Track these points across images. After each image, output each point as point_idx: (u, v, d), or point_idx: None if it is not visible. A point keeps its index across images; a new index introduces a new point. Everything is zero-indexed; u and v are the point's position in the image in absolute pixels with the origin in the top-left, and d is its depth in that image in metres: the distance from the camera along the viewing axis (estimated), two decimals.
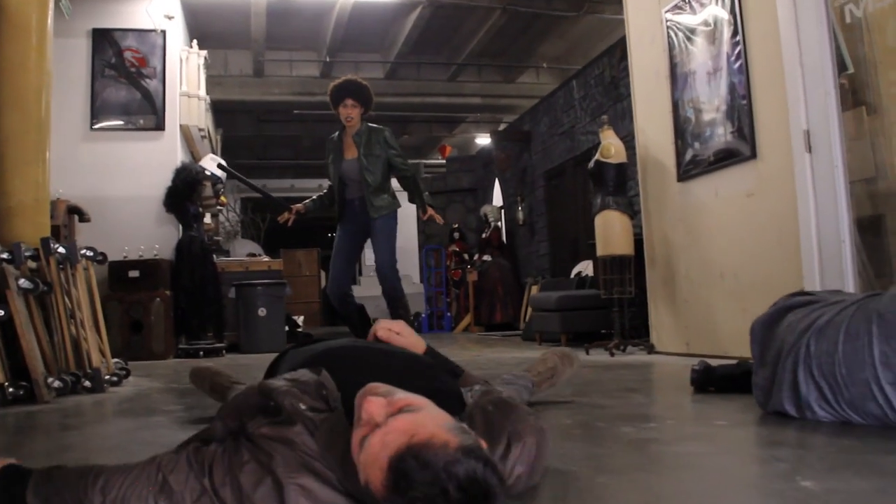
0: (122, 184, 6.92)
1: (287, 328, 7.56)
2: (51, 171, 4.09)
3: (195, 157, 7.84)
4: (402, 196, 4.91)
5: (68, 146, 6.57)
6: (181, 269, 6.73)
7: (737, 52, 4.17)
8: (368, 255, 5.65)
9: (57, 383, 3.43)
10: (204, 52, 7.60)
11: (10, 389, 3.22)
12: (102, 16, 7.12)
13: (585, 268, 7.38)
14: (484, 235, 11.05)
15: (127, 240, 6.63)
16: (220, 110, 10.24)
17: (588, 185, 5.91)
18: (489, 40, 10.55)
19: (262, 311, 7.11)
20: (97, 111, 7.00)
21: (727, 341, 4.24)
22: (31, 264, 3.66)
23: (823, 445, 1.76)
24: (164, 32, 7.19)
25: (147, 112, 7.10)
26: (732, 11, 4.20)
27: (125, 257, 6.52)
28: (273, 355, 2.05)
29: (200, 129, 7.50)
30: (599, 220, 5.23)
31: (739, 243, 4.24)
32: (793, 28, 3.70)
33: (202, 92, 7.51)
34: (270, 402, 1.32)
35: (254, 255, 8.91)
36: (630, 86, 5.56)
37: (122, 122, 7.06)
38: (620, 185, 5.20)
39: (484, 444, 1.07)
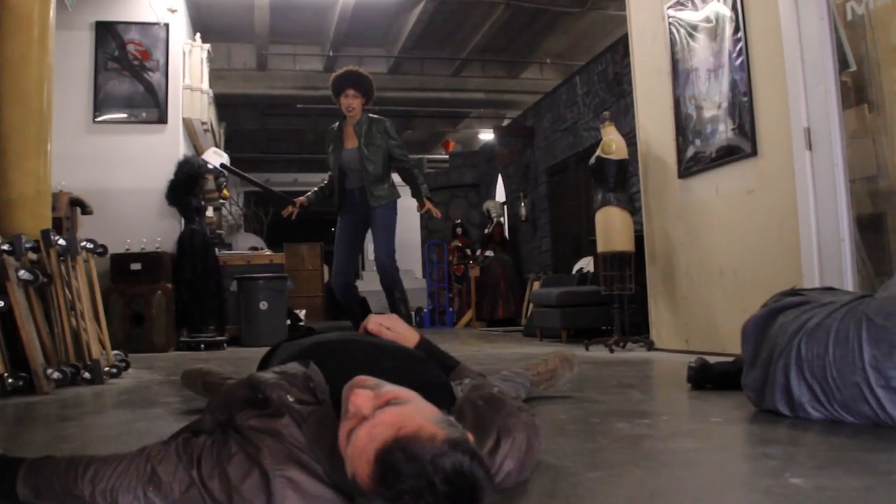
0: (124, 177, 6.93)
1: (289, 322, 7.57)
2: (53, 163, 4.10)
3: (198, 151, 7.85)
4: (405, 191, 4.91)
5: (71, 139, 6.58)
6: (183, 262, 6.75)
7: (738, 48, 4.16)
8: (370, 250, 5.63)
9: (56, 374, 3.44)
10: (207, 46, 7.60)
11: (10, 380, 3.24)
12: (105, 9, 7.13)
13: (587, 264, 7.38)
14: (486, 231, 11.05)
15: (129, 232, 6.64)
16: (224, 104, 10.25)
17: (590, 181, 5.90)
18: (493, 35, 10.54)
19: (263, 305, 7.12)
20: (100, 104, 7.00)
21: (726, 339, 4.24)
22: (32, 256, 3.68)
23: (815, 443, 1.76)
24: (167, 26, 7.19)
25: (150, 105, 7.10)
26: (734, 8, 4.19)
27: (127, 250, 6.53)
28: None
29: (203, 123, 7.51)
30: (600, 217, 5.22)
31: (739, 241, 4.24)
32: (794, 24, 3.69)
33: (205, 85, 7.51)
34: (259, 394, 1.32)
35: (256, 248, 8.92)
36: (632, 82, 5.55)
37: (124, 115, 7.06)
38: (621, 181, 5.20)
39: (471, 438, 1.07)
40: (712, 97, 4.44)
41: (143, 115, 7.10)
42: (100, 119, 7.01)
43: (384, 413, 1.05)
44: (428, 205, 4.71)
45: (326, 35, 10.42)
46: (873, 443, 1.70)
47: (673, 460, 1.67)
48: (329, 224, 15.08)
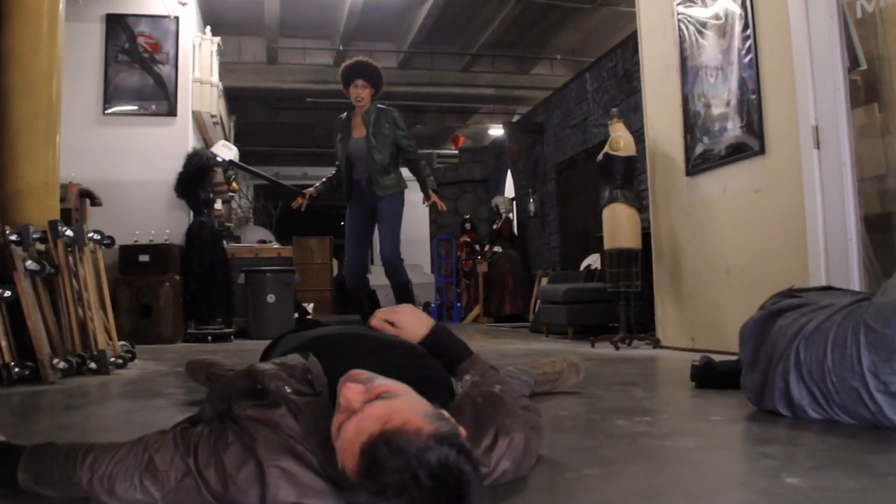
0: (133, 169, 6.96)
1: (296, 315, 7.59)
2: (63, 155, 4.13)
3: (207, 144, 7.87)
4: (414, 185, 4.91)
5: (81, 130, 6.61)
6: (191, 254, 6.77)
7: (747, 45, 4.14)
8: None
9: (62, 364, 3.47)
10: (217, 39, 7.62)
11: (16, 369, 3.27)
12: (116, 1, 7.16)
13: (595, 261, 7.36)
14: (495, 226, 11.05)
15: (138, 224, 6.67)
16: (234, 97, 10.28)
17: (599, 178, 5.89)
18: (503, 31, 10.52)
19: (270, 298, 7.14)
20: (110, 96, 7.03)
21: (732, 337, 4.17)
22: (40, 246, 3.70)
23: (813, 443, 1.75)
24: (177, 18, 7.21)
25: (159, 98, 7.13)
26: (743, 5, 4.16)
27: (136, 241, 6.56)
28: None
29: (212, 116, 7.53)
30: (607, 213, 5.21)
31: (746, 239, 4.22)
32: (803, 22, 3.67)
33: (215, 78, 7.53)
34: (257, 384, 1.33)
35: (264, 241, 8.94)
36: (640, 79, 5.53)
37: (134, 108, 7.09)
38: (629, 178, 5.18)
39: (463, 432, 1.07)
40: (721, 95, 4.42)
41: (153, 107, 7.13)
42: (109, 111, 7.04)
43: (373, 407, 1.06)
44: (433, 197, 4.70)
45: (336, 29, 10.43)
46: (872, 444, 1.70)
47: (671, 458, 1.67)
48: (338, 218, 15.06)
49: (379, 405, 1.05)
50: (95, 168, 6.58)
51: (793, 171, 3.79)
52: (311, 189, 5.00)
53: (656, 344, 5.04)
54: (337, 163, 4.89)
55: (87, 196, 6.31)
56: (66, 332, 3.69)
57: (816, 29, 3.61)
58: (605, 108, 8.04)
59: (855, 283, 3.40)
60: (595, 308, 6.19)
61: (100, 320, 3.90)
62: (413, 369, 1.48)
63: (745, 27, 4.16)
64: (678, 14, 4.82)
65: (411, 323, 1.72)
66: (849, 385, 1.81)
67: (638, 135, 5.63)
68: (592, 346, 5.26)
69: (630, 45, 7.33)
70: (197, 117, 7.45)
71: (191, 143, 7.24)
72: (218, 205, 7.93)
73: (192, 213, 7.03)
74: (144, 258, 6.50)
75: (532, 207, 10.55)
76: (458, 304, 11.64)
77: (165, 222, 6.90)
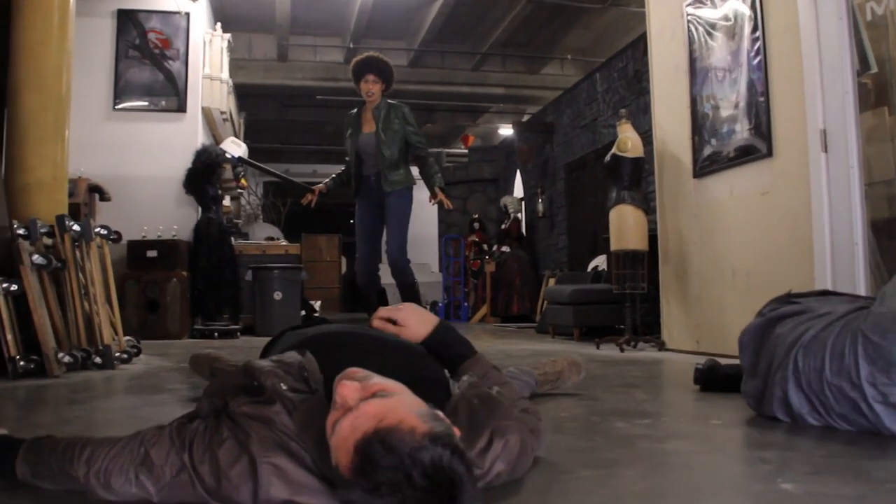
0: (143, 164, 6.99)
1: (303, 312, 7.61)
2: (73, 149, 4.15)
3: (217, 140, 7.89)
4: (422, 184, 4.90)
5: (91, 125, 6.65)
6: (199, 250, 6.79)
7: (756, 47, 4.12)
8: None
9: (67, 358, 3.49)
10: (227, 36, 7.64)
11: (22, 363, 3.29)
12: None
13: (603, 262, 7.35)
14: (503, 226, 11.03)
15: (146, 219, 6.70)
16: (244, 94, 10.30)
17: (607, 178, 5.88)
18: (514, 30, 10.51)
19: (277, 295, 7.16)
20: (120, 91, 7.07)
21: (736, 341, 4.20)
22: (47, 241, 3.72)
23: (811, 448, 1.74)
24: (188, 15, 7.23)
25: (169, 93, 7.15)
26: (753, 6, 4.14)
27: (144, 237, 6.59)
28: None
29: (222, 112, 7.55)
30: (614, 214, 5.20)
31: (752, 242, 4.21)
32: (812, 24, 3.64)
33: (225, 75, 7.56)
34: (254, 381, 1.34)
35: (272, 238, 8.97)
36: (650, 80, 5.52)
37: (144, 103, 7.12)
38: (636, 179, 5.17)
39: (458, 433, 1.07)
40: (729, 96, 4.40)
41: (163, 103, 7.16)
42: (120, 106, 7.07)
43: (368, 405, 1.06)
44: (440, 195, 4.70)
45: (347, 27, 10.44)
46: (871, 450, 1.69)
47: (667, 461, 1.66)
48: (347, 216, 15.13)
49: (374, 403, 1.06)
50: (105, 163, 6.62)
51: (800, 174, 3.77)
52: (320, 185, 5.01)
53: (661, 346, 5.02)
54: (347, 158, 4.90)
55: (97, 191, 6.35)
56: (72, 326, 3.71)
57: (826, 31, 3.59)
58: (615, 108, 8.02)
59: (861, 287, 3.38)
60: (601, 309, 6.17)
61: (105, 315, 3.92)
62: (411, 369, 1.48)
63: (755, 29, 4.14)
64: (687, 15, 4.80)
65: (414, 322, 1.71)
66: (847, 395, 1.80)
67: (647, 136, 5.62)
68: (597, 347, 5.26)
69: (640, 45, 7.31)
70: (206, 113, 7.48)
71: (200, 139, 7.26)
72: (226, 201, 7.95)
73: (200, 210, 7.06)
74: (152, 254, 6.53)
75: (541, 208, 10.54)
76: (466, 304, 11.64)
77: (174, 218, 6.93)
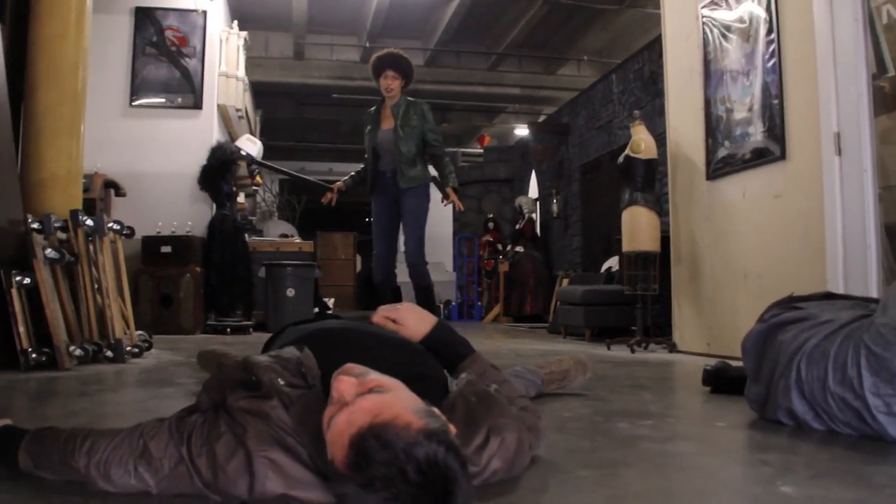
0: (158, 160, 7.04)
1: (316, 309, 7.63)
2: (89, 145, 4.19)
3: (232, 137, 7.94)
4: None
5: (107, 121, 6.71)
6: (213, 246, 6.82)
7: (771, 50, 4.09)
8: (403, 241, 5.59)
9: (78, 352, 3.52)
10: (244, 34, 7.68)
11: (34, 355, 3.33)
12: None
13: (616, 263, 7.33)
14: (518, 226, 11.03)
15: (161, 215, 6.74)
16: (260, 92, 10.35)
17: (620, 180, 5.86)
18: (530, 30, 10.49)
19: (290, 292, 7.18)
20: (137, 88, 7.12)
21: None
22: (61, 235, 3.76)
23: (813, 452, 1.73)
24: (205, 13, 7.27)
25: (185, 91, 7.20)
26: (768, 9, 4.11)
27: (158, 233, 6.63)
28: None
29: (238, 110, 7.59)
30: (626, 216, 5.18)
31: (764, 245, 4.18)
32: (828, 27, 3.62)
33: (241, 73, 7.59)
34: (252, 376, 1.34)
35: (286, 235, 9.00)
36: (664, 82, 5.49)
37: (160, 100, 7.16)
38: (649, 181, 5.15)
39: (454, 430, 1.08)
40: (743, 99, 4.37)
41: (179, 100, 7.20)
42: (136, 103, 7.12)
43: (364, 400, 1.07)
44: (452, 196, 4.70)
45: (363, 26, 10.47)
46: (873, 455, 1.67)
47: (667, 462, 1.66)
48: (363, 214, 15.14)
49: (370, 399, 1.06)
50: (121, 159, 6.67)
51: (813, 177, 3.74)
52: (339, 183, 5.02)
53: (672, 348, 5.00)
54: (366, 156, 4.90)
55: (112, 186, 6.40)
56: (84, 320, 3.74)
57: (841, 34, 3.56)
58: (631, 110, 7.98)
59: (873, 290, 3.36)
60: (613, 310, 6.15)
61: (117, 309, 3.95)
62: (410, 366, 1.48)
63: (770, 31, 4.11)
64: (703, 17, 4.77)
65: (413, 320, 1.71)
66: (851, 405, 1.79)
67: (661, 138, 5.59)
68: (608, 348, 5.24)
69: (656, 47, 7.27)
70: (222, 111, 7.52)
71: (215, 136, 7.30)
72: (241, 198, 7.99)
73: (214, 206, 7.09)
74: (166, 249, 6.57)
75: (555, 208, 10.52)
76: (479, 303, 11.64)
77: (188, 214, 6.97)
